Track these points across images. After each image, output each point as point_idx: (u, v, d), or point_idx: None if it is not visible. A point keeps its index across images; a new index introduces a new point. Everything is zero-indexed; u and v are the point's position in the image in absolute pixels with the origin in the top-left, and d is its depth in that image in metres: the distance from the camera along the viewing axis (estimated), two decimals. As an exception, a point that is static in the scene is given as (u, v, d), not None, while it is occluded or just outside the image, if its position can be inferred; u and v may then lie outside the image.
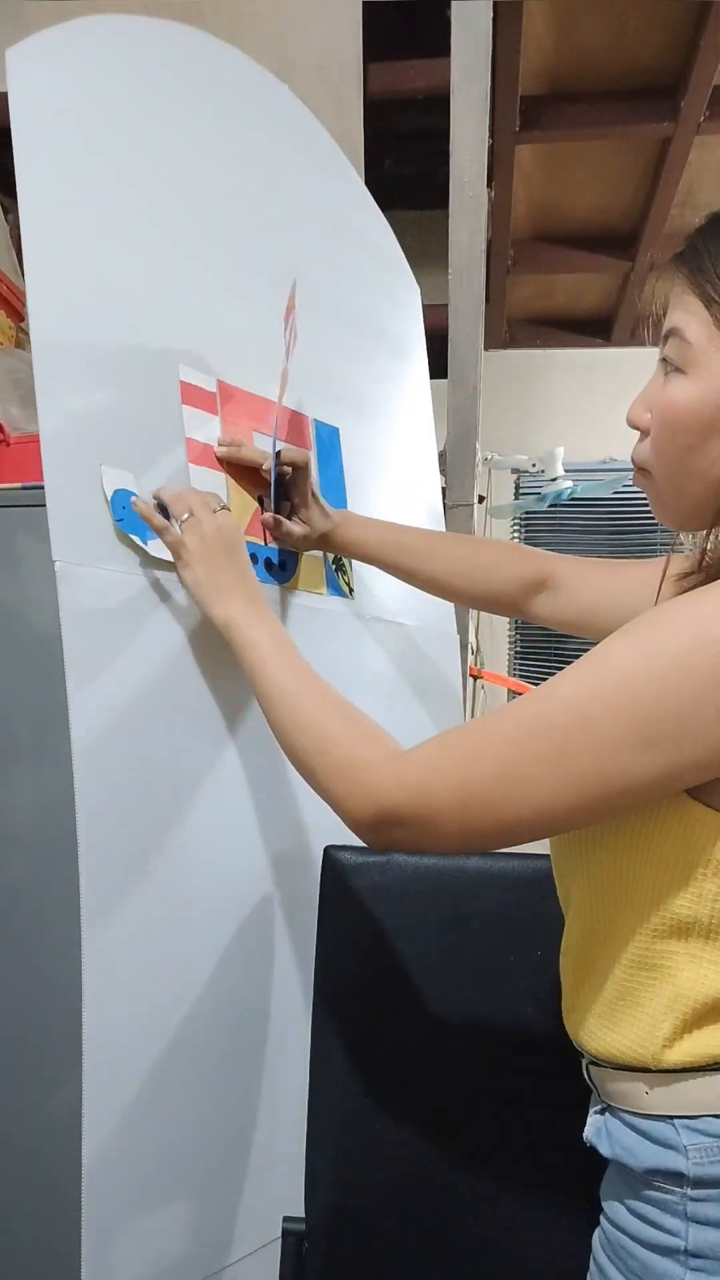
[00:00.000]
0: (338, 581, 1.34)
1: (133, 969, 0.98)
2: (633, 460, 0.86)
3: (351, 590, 1.36)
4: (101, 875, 0.95)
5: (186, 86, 1.20)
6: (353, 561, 1.36)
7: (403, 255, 1.63)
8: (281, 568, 1.23)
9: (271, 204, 1.32)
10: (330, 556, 1.32)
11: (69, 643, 0.94)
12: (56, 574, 0.94)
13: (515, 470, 3.51)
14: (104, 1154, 0.93)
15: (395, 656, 1.43)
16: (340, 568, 1.34)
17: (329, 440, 1.37)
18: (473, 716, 2.51)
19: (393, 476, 1.52)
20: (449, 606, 1.54)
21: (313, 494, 1.20)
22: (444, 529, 1.68)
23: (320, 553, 1.30)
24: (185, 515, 1.02)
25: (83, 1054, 0.91)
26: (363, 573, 1.38)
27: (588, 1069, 0.83)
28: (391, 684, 1.42)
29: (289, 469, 1.19)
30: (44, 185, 1.00)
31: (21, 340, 1.80)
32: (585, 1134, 0.82)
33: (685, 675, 0.66)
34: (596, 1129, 0.81)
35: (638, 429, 0.83)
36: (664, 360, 0.80)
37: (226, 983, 1.08)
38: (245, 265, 1.25)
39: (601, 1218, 0.80)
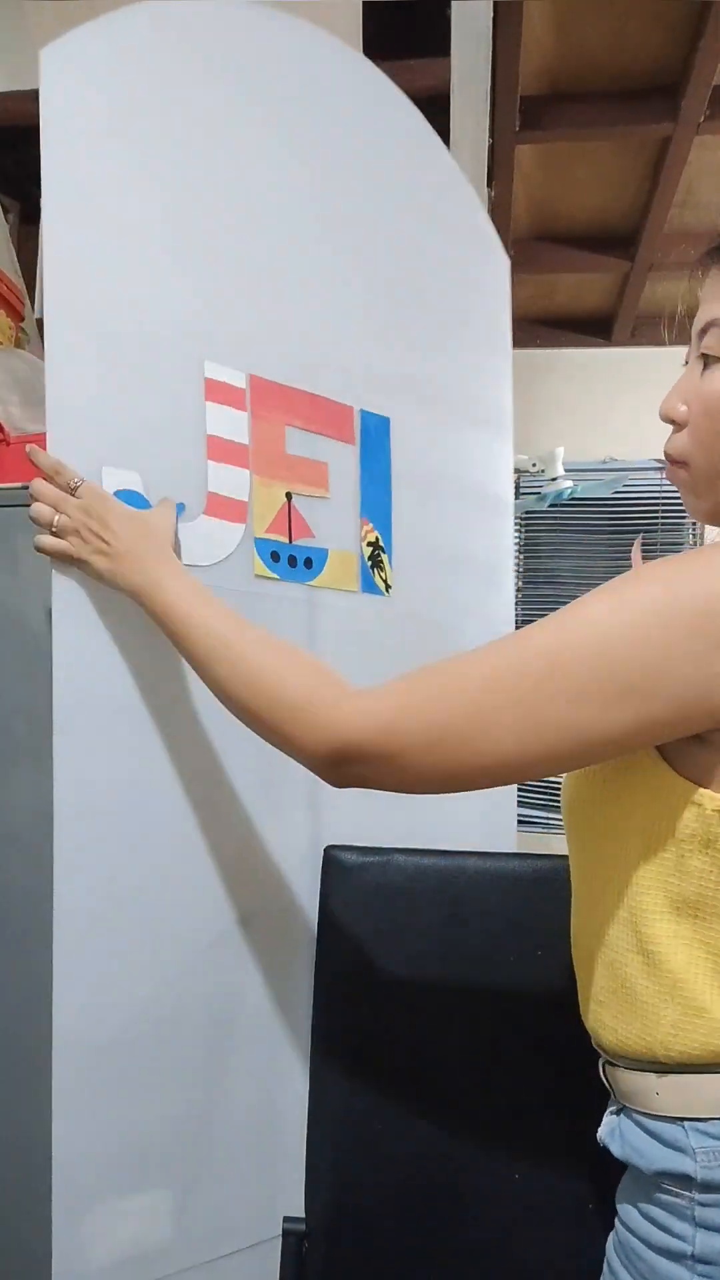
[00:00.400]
0: (373, 578, 1.31)
1: (121, 966, 0.98)
2: (667, 454, 0.84)
3: (389, 587, 1.33)
4: (84, 876, 0.96)
5: (229, 66, 1.15)
6: (392, 557, 1.34)
7: (489, 223, 1.53)
8: (307, 565, 1.21)
9: (327, 185, 1.26)
10: (366, 552, 1.30)
11: (59, 641, 0.95)
12: (52, 576, 0.95)
13: (515, 470, 3.51)
14: (73, 1141, 0.94)
15: (438, 656, 1.41)
16: (377, 563, 1.32)
17: (377, 432, 1.33)
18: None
19: (451, 468, 1.45)
20: (507, 600, 1.51)
21: None
22: (512, 525, 1.63)
23: (354, 548, 1.28)
24: (55, 514, 0.96)
25: (52, 1049, 0.92)
26: (408, 567, 1.35)
27: (603, 1068, 0.83)
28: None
29: None
30: (66, 179, 0.99)
31: (21, 340, 1.79)
32: (599, 1134, 0.83)
33: (654, 629, 0.67)
34: (610, 1129, 0.81)
35: (673, 422, 0.83)
36: (703, 354, 0.79)
37: (227, 982, 1.08)
38: (282, 251, 1.21)
39: (616, 1220, 0.81)
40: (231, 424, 1.14)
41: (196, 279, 1.12)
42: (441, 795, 0.79)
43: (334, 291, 1.27)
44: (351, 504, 1.29)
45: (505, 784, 0.76)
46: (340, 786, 0.81)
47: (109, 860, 0.99)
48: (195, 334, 1.11)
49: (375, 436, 1.33)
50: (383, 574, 1.32)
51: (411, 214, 1.39)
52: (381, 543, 1.32)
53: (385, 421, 1.34)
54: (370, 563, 1.30)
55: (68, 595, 0.98)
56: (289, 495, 1.19)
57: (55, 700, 0.96)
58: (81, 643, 0.99)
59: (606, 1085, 0.83)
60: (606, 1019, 0.79)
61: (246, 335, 1.16)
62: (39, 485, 0.96)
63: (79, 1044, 0.95)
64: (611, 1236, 0.81)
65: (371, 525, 1.31)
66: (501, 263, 1.58)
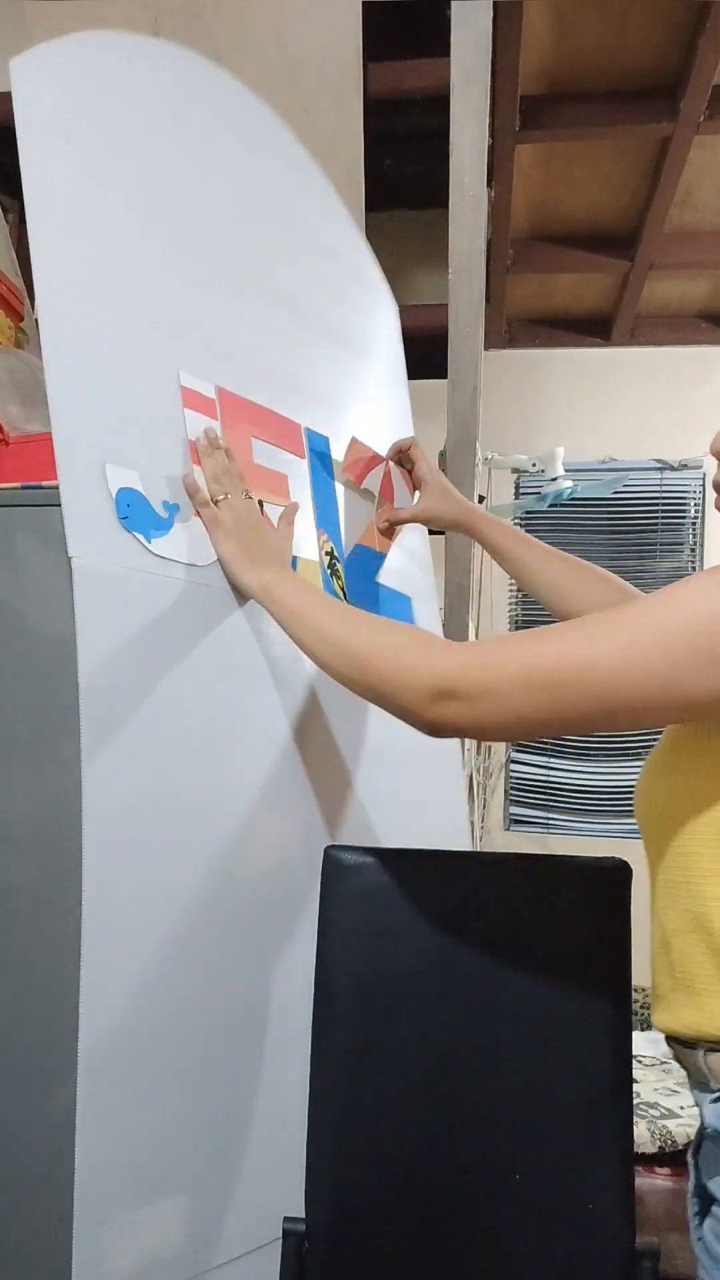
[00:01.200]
0: (333, 586, 1.34)
1: (132, 966, 0.98)
2: (715, 484, 0.94)
3: (345, 594, 1.36)
4: (104, 870, 0.95)
5: (184, 105, 1.23)
6: (345, 566, 1.36)
7: (381, 274, 1.65)
8: None
9: (260, 223, 1.34)
10: (325, 562, 1.32)
11: (83, 638, 0.95)
12: (73, 569, 0.95)
13: (515, 470, 3.51)
14: (97, 1148, 0.94)
15: None
16: (334, 572, 1.34)
17: (320, 449, 1.37)
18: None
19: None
20: (433, 615, 1.59)
21: (431, 477, 1.40)
22: (425, 542, 1.69)
23: (314, 557, 1.30)
24: (222, 496, 1.09)
25: (78, 1050, 0.91)
26: (349, 578, 1.39)
27: (705, 1057, 0.84)
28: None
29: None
30: (50, 194, 1.02)
31: (21, 340, 1.80)
32: (707, 1120, 0.84)
33: None
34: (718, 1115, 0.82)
35: None
36: None
37: (227, 982, 1.08)
38: (240, 278, 1.27)
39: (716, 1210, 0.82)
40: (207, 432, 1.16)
41: (170, 291, 1.14)
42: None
43: (275, 318, 1.33)
44: (309, 514, 1.31)
45: (596, 730, 0.85)
46: (437, 731, 0.87)
47: (130, 868, 0.98)
48: (172, 344, 1.13)
49: (320, 452, 1.35)
50: (339, 582, 1.35)
51: (319, 255, 1.49)
52: (335, 552, 1.35)
53: (325, 440, 1.37)
54: (329, 571, 1.32)
55: (90, 589, 0.97)
56: (260, 503, 1.21)
57: (82, 697, 0.95)
58: (105, 638, 0.99)
59: (705, 1073, 0.84)
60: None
61: (213, 349, 1.20)
62: (212, 465, 1.11)
63: (104, 1055, 0.95)
64: (710, 1225, 0.83)
65: (326, 536, 1.33)
66: (390, 304, 1.67)
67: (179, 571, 1.07)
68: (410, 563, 1.58)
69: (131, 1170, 0.98)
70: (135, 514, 1.02)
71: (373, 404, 1.55)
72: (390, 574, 1.49)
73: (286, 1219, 1.06)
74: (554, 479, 2.92)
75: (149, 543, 1.03)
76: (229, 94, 1.33)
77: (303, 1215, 1.06)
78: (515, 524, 3.73)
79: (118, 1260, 0.97)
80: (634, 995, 1.00)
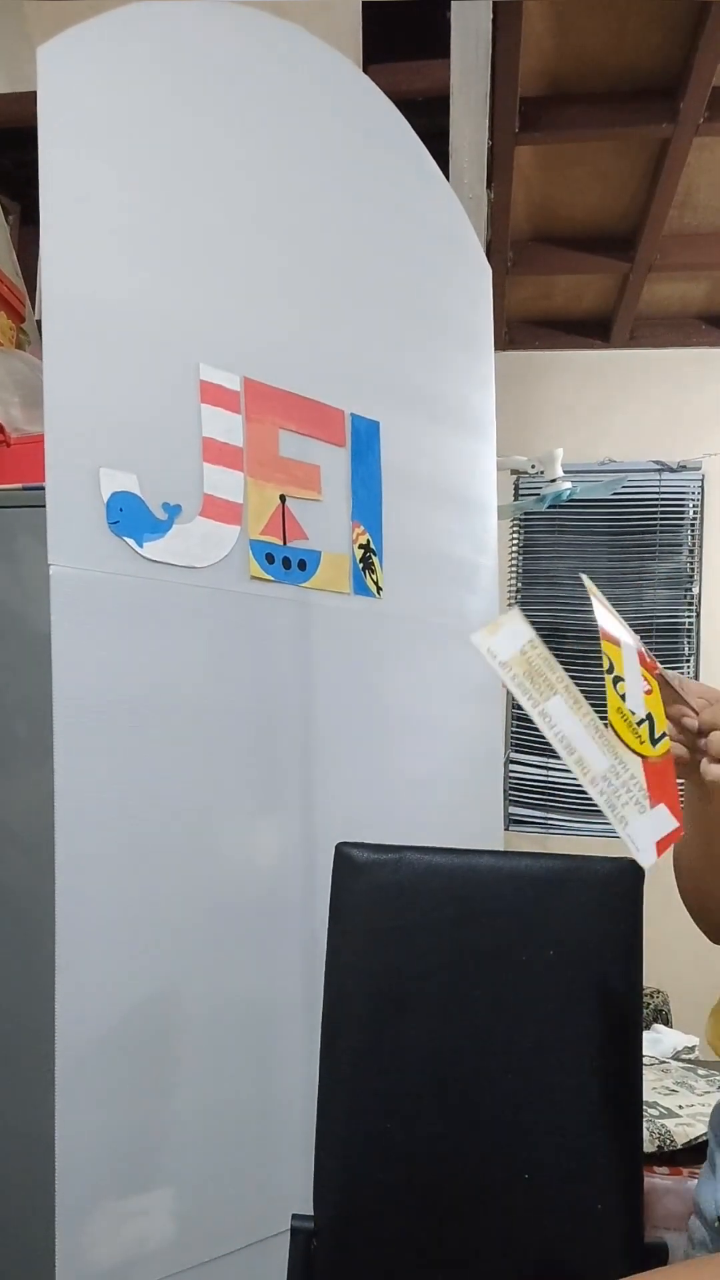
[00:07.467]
0: (364, 580, 1.32)
1: (111, 963, 0.98)
2: None
3: (380, 589, 1.34)
4: (86, 875, 0.96)
5: (224, 70, 1.17)
6: (383, 559, 1.35)
7: (474, 233, 1.56)
8: (301, 567, 1.22)
9: (317, 189, 1.28)
10: (357, 554, 1.31)
11: (58, 645, 0.95)
12: (51, 577, 0.95)
13: (514, 471, 3.51)
14: (76, 1141, 0.94)
15: (429, 654, 1.41)
16: (368, 565, 1.33)
17: (367, 435, 1.35)
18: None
19: (437, 471, 1.48)
20: (491, 603, 1.53)
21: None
22: (495, 526, 1.64)
23: (345, 550, 1.29)
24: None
25: (55, 1045, 0.92)
26: (396, 569, 1.36)
27: None
28: (426, 681, 1.40)
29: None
30: (66, 192, 1.00)
31: (22, 341, 1.79)
32: None
33: None
34: None
35: None
36: None
37: (227, 981, 1.08)
38: (274, 254, 1.22)
39: None
40: (226, 426, 1.14)
41: (192, 281, 1.13)
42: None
43: (324, 295, 1.30)
44: (343, 506, 1.30)
45: None
46: None
47: (110, 860, 0.99)
48: (191, 337, 1.11)
49: (365, 439, 1.34)
50: (374, 576, 1.33)
51: (394, 218, 1.42)
52: (372, 545, 1.34)
53: (375, 425, 1.35)
54: (362, 565, 1.31)
55: (67, 596, 0.98)
56: (283, 498, 1.20)
57: (55, 701, 0.96)
58: (81, 643, 0.99)
59: None
60: None
61: (240, 338, 1.17)
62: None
63: (81, 1044, 0.95)
64: None
65: (363, 528, 1.32)
66: (481, 268, 1.60)
67: (173, 574, 1.07)
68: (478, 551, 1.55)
69: (116, 1164, 0.98)
70: (128, 518, 1.02)
71: (444, 377, 1.49)
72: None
73: (295, 1216, 1.06)
74: (553, 480, 2.93)
75: (140, 547, 1.03)
76: (293, 54, 1.25)
77: (309, 1212, 1.06)
78: (514, 525, 3.73)
79: (103, 1250, 0.97)
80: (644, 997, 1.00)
